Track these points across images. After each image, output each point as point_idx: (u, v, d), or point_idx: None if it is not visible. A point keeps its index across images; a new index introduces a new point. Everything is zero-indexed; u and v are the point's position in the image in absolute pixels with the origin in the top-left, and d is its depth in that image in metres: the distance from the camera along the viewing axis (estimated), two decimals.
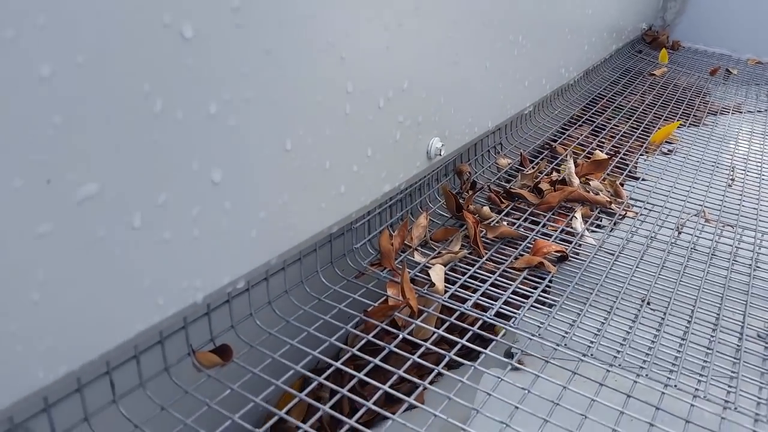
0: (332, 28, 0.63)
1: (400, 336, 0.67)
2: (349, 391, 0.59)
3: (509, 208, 0.96)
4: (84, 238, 0.44)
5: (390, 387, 0.60)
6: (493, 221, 0.90)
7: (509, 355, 0.70)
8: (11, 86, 0.38)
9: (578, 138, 1.28)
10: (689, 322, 0.75)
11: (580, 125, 1.39)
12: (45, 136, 0.40)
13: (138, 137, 0.46)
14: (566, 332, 0.70)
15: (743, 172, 1.22)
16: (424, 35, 0.79)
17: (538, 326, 0.70)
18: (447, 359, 0.64)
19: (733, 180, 1.18)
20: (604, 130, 1.36)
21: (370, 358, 0.63)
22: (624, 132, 1.35)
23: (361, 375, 0.62)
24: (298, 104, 0.61)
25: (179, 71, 0.48)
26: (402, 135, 0.80)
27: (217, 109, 0.52)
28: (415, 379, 0.61)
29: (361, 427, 0.54)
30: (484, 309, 0.72)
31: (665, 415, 0.60)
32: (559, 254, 0.82)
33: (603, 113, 1.46)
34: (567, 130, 1.34)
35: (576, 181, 1.02)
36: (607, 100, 1.55)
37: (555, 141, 1.26)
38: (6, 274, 0.40)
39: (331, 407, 0.57)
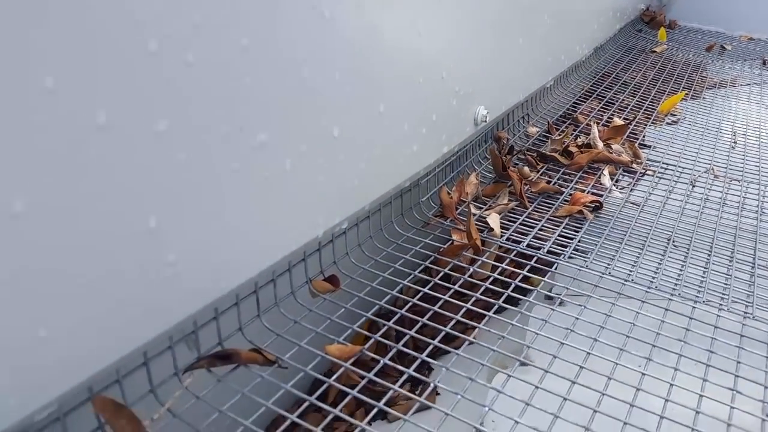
0: (417, 17, 0.75)
1: (470, 270, 0.80)
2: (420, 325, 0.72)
3: (544, 168, 1.08)
4: (262, 173, 0.57)
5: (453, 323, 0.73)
6: (534, 177, 1.02)
7: (549, 297, 0.83)
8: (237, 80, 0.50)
9: (594, 109, 1.41)
10: (709, 255, 0.88)
11: (592, 99, 1.51)
12: (242, 98, 0.52)
13: (293, 99, 0.59)
14: (603, 274, 0.82)
15: (743, 136, 1.36)
16: (476, 18, 0.91)
17: (578, 269, 0.82)
18: (504, 296, 0.76)
19: (735, 143, 1.31)
20: (614, 103, 1.48)
21: (440, 295, 0.76)
22: (632, 105, 1.48)
23: (433, 309, 0.74)
24: (390, 76, 0.74)
25: (323, 46, 0.60)
26: (457, 103, 0.92)
27: (340, 77, 0.65)
28: (477, 316, 0.74)
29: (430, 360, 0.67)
30: (536, 249, 0.85)
31: (696, 325, 0.73)
32: (594, 204, 0.95)
33: (612, 88, 1.59)
34: (582, 103, 1.47)
35: (600, 144, 1.15)
36: (614, 76, 1.68)
37: (573, 112, 1.39)
38: (213, 197, 0.53)
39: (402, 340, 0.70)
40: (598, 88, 1.57)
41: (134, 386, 0.55)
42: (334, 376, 0.62)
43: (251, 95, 0.54)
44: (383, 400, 0.59)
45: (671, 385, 0.63)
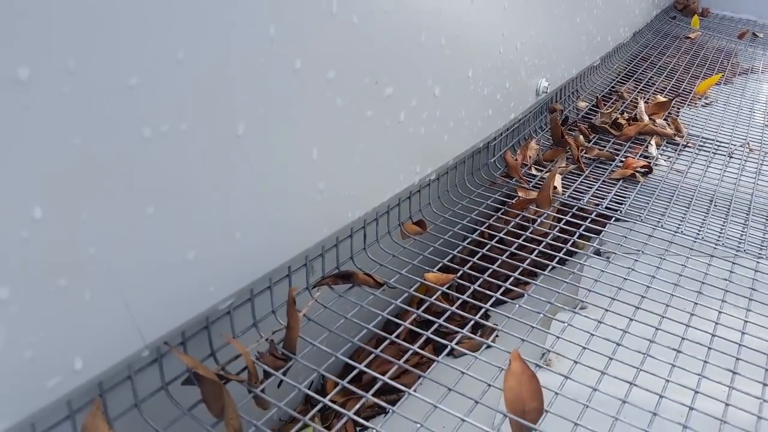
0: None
1: (537, 221, 0.91)
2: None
3: (595, 138, 1.19)
4: (384, 122, 0.68)
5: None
6: (591, 141, 1.13)
7: (598, 252, 0.94)
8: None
9: (636, 89, 1.50)
10: (748, 213, 0.98)
11: (632, 80, 1.61)
12: (381, 56, 0.63)
13: (412, 60, 0.70)
14: (654, 227, 0.92)
15: None
16: (543, 1, 1.02)
17: (633, 223, 0.93)
18: (564, 250, 0.87)
19: None
20: (653, 85, 1.58)
21: (509, 246, 0.87)
22: (669, 88, 1.58)
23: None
24: (478, 43, 0.84)
25: (436, 17, 0.71)
26: (525, 73, 1.03)
27: (446, 41, 0.75)
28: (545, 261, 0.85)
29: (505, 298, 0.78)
30: (595, 206, 0.96)
31: (739, 269, 0.84)
32: (645, 168, 1.06)
33: (650, 71, 1.68)
34: (623, 83, 1.56)
35: (646, 118, 1.25)
36: (651, 60, 1.77)
37: (617, 90, 1.49)
38: (354, 137, 0.64)
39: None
40: (638, 70, 1.66)
41: (271, 299, 0.66)
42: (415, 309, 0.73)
43: (387, 54, 0.65)
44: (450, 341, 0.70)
45: (716, 324, 0.72)
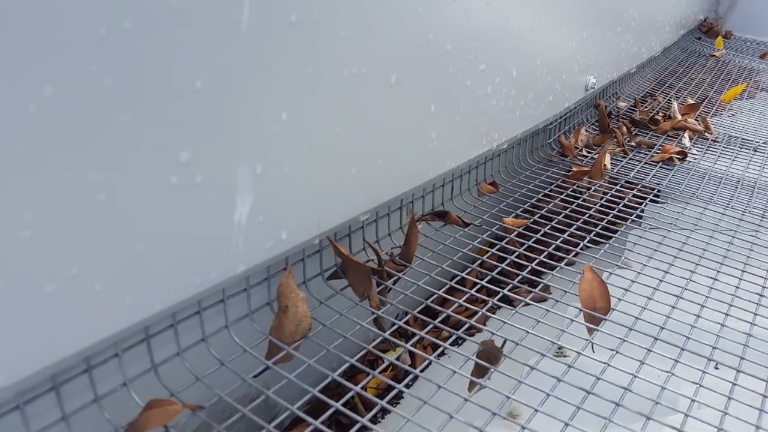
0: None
1: (587, 193, 1.07)
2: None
3: (635, 131, 1.36)
4: (477, 91, 0.85)
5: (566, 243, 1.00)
6: (634, 131, 1.30)
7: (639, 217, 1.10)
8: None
9: (667, 96, 1.67)
10: None
11: (664, 88, 1.78)
12: (477, 39, 0.81)
13: (504, 41, 0.87)
14: (688, 202, 1.08)
15: None
16: (595, 7, 1.20)
17: (667, 200, 1.09)
18: (611, 215, 1.03)
19: None
20: (680, 97, 1.75)
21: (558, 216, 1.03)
22: (695, 99, 1.74)
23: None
24: (545, 36, 1.02)
25: (520, 12, 0.89)
26: (577, 69, 1.20)
27: (524, 32, 0.93)
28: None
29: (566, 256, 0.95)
30: (636, 185, 1.12)
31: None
32: (680, 155, 1.22)
33: (680, 82, 1.85)
34: (655, 92, 1.73)
35: (679, 116, 1.42)
36: (679, 74, 1.94)
37: (651, 95, 1.66)
38: (456, 101, 0.81)
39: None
40: (668, 81, 1.83)
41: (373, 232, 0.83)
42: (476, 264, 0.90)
43: (484, 36, 0.83)
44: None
45: (763, 289, 0.87)
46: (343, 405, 0.57)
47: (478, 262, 0.83)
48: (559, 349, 0.80)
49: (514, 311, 0.74)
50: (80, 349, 0.46)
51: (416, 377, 0.62)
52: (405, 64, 0.69)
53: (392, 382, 0.61)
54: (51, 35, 0.37)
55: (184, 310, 0.58)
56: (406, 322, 0.76)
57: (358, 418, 0.56)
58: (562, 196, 1.04)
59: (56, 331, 0.44)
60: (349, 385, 0.59)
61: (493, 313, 0.73)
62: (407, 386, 0.62)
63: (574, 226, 0.94)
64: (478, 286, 0.76)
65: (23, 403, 0.48)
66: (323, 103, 0.60)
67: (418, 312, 0.71)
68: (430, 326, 0.68)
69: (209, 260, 0.54)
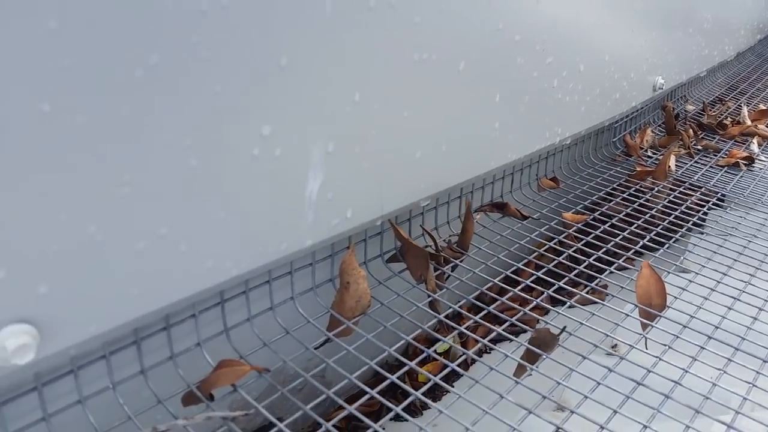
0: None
1: (649, 194, 1.06)
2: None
3: (702, 135, 1.33)
4: (543, 84, 0.86)
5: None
6: (701, 134, 1.28)
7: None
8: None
9: (738, 101, 1.63)
10: None
11: (732, 96, 1.73)
12: (546, 31, 0.82)
13: (573, 36, 0.88)
14: (753, 207, 1.06)
15: None
16: (665, 7, 1.18)
17: (730, 203, 1.07)
18: (675, 214, 1.02)
19: None
20: (751, 102, 1.70)
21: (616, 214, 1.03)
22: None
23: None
24: (614, 32, 1.02)
25: (602, 12, 0.89)
26: (645, 68, 1.19)
27: (592, 27, 0.93)
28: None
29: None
30: (699, 188, 1.11)
31: None
32: (747, 160, 1.20)
33: (752, 88, 1.80)
34: (725, 97, 1.69)
35: (748, 121, 1.38)
36: (753, 80, 1.89)
37: (721, 100, 1.62)
38: (518, 94, 0.82)
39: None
40: (739, 86, 1.78)
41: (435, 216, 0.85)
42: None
43: (552, 29, 0.84)
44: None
45: None
46: (398, 380, 0.60)
47: (535, 254, 0.84)
48: (613, 347, 0.81)
49: (568, 303, 0.74)
50: (162, 306, 0.50)
51: (468, 364, 0.64)
52: (474, 52, 0.70)
53: (446, 361, 0.63)
54: (160, 4, 0.41)
55: (255, 279, 0.62)
56: (461, 309, 0.78)
57: (411, 391, 0.58)
58: (624, 195, 1.03)
59: (142, 287, 0.48)
60: (405, 360, 0.62)
61: (548, 305, 0.74)
62: (459, 370, 0.64)
63: (635, 225, 0.93)
64: (533, 278, 0.77)
65: (109, 353, 0.52)
66: (393, 87, 0.62)
67: (474, 298, 0.73)
68: (484, 312, 0.70)
69: (281, 232, 0.57)
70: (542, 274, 0.78)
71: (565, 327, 0.65)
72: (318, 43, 0.52)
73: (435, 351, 0.65)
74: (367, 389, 0.57)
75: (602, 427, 0.56)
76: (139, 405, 0.52)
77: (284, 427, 0.51)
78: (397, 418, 0.56)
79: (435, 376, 0.61)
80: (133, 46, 0.41)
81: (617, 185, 1.07)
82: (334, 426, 0.52)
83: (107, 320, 0.47)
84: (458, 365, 0.62)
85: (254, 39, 0.47)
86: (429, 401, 0.58)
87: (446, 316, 0.71)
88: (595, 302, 0.73)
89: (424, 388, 0.58)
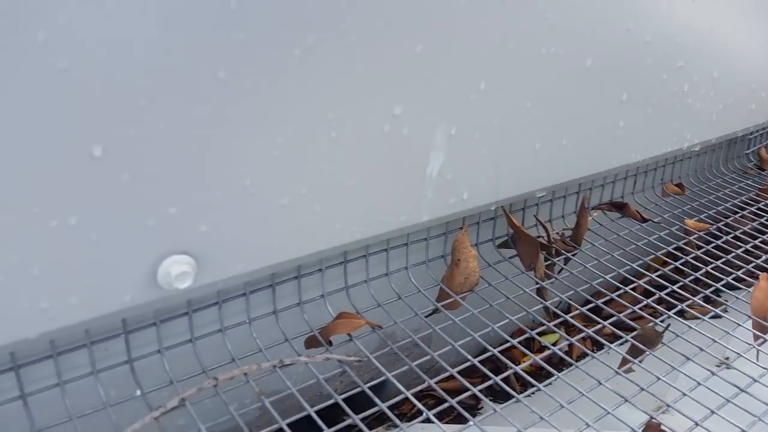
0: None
1: None
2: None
3: None
4: (673, 87, 0.86)
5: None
6: None
7: None
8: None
9: None
10: None
11: None
12: (677, 33, 0.82)
13: (702, 44, 0.87)
14: None
15: None
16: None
17: None
18: None
19: None
20: None
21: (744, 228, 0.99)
22: None
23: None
24: (753, 41, 0.98)
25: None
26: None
27: (728, 34, 0.91)
28: None
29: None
30: None
31: None
32: None
33: None
34: None
35: None
36: None
37: None
38: (647, 94, 0.83)
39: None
40: None
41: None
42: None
43: (684, 33, 0.83)
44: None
45: None
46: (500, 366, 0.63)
47: (652, 257, 0.84)
48: (725, 358, 0.79)
49: (679, 306, 0.75)
50: (296, 257, 0.58)
51: (573, 357, 0.66)
52: (602, 49, 0.72)
53: (556, 349, 0.66)
54: None
55: (375, 245, 0.68)
56: (569, 305, 0.80)
57: (511, 365, 0.62)
58: (752, 209, 1.00)
59: (282, 238, 0.55)
60: (507, 337, 0.65)
61: (660, 307, 0.75)
62: (567, 358, 0.66)
63: (759, 240, 0.90)
64: (646, 279, 0.78)
65: (249, 292, 0.60)
66: (517, 78, 0.66)
67: (584, 293, 0.75)
68: (592, 304, 0.72)
69: (401, 205, 0.63)
70: (657, 276, 0.78)
71: (669, 325, 0.66)
72: (451, 33, 0.57)
73: (540, 341, 0.69)
74: (469, 357, 0.61)
75: (697, 424, 0.57)
76: (270, 340, 0.60)
77: (393, 378, 0.56)
78: (495, 397, 0.59)
79: (537, 371, 0.63)
80: (296, 28, 0.48)
81: (746, 198, 1.04)
82: (439, 390, 0.57)
83: (251, 262, 0.55)
84: (561, 357, 0.65)
85: (394, 26, 0.53)
86: (531, 379, 0.61)
87: (555, 307, 0.74)
88: (709, 310, 0.73)
89: (525, 364, 0.62)
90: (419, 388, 0.56)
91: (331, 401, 0.54)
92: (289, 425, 0.50)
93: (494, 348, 0.63)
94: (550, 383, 0.62)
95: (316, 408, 0.52)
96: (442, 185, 0.66)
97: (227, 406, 0.52)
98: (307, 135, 0.52)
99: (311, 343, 0.61)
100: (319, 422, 0.51)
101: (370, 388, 0.56)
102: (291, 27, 0.48)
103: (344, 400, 0.54)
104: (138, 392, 0.54)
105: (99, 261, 0.47)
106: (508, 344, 0.65)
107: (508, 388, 0.59)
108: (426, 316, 0.68)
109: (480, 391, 0.59)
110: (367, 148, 0.57)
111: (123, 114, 0.44)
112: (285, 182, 0.53)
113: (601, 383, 0.60)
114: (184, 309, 0.58)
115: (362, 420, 0.52)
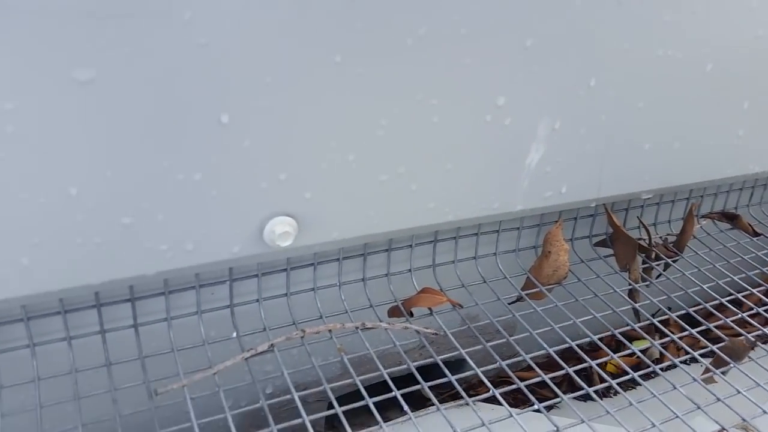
0: None
1: None
2: None
3: None
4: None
5: None
6: None
7: None
8: None
9: None
10: None
11: None
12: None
13: None
14: None
15: None
16: None
17: None
18: None
19: None
20: None
21: None
22: None
23: None
24: None
25: None
26: None
27: None
28: None
29: None
30: None
31: None
32: None
33: None
34: None
35: None
36: None
37: None
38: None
39: None
40: None
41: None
42: None
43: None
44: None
45: None
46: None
47: (757, 271, 0.81)
48: None
49: None
50: (388, 230, 0.61)
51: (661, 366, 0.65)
52: (724, 55, 0.70)
53: (646, 359, 0.66)
54: None
55: (465, 228, 0.70)
56: (661, 310, 0.78)
57: (592, 363, 0.62)
58: None
59: (377, 211, 0.59)
60: (589, 333, 0.66)
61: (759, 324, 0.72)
62: (657, 370, 0.66)
63: None
64: (746, 292, 0.75)
65: (342, 258, 0.65)
66: (631, 77, 0.65)
67: (680, 301, 0.73)
68: (683, 311, 0.71)
69: (495, 192, 0.65)
70: (759, 292, 0.75)
71: (757, 340, 0.64)
72: (563, 31, 0.58)
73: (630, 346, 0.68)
74: (547, 348, 0.62)
75: None
76: (356, 305, 0.65)
77: (468, 358, 0.59)
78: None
79: (621, 374, 0.62)
80: (410, 19, 0.51)
81: None
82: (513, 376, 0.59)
83: (346, 231, 0.59)
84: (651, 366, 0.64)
85: (506, 21, 0.55)
86: (614, 382, 0.60)
87: (650, 314, 0.72)
88: None
89: (603, 358, 0.62)
90: (491, 367, 0.58)
91: (407, 371, 0.58)
92: (366, 389, 0.55)
93: (575, 344, 0.64)
94: (632, 387, 0.62)
95: (391, 372, 0.56)
96: (540, 177, 0.66)
97: (310, 357, 0.57)
98: (410, 118, 0.55)
99: (394, 313, 0.65)
100: (391, 384, 0.55)
101: (446, 365, 0.58)
102: (405, 18, 0.51)
103: (421, 374, 0.57)
104: (234, 334, 0.60)
105: (215, 214, 0.53)
106: (588, 340, 0.65)
107: (590, 391, 0.59)
108: (509, 303, 0.70)
109: (557, 384, 0.60)
110: (466, 134, 0.59)
111: (250, 88, 0.49)
112: (385, 160, 0.57)
113: (675, 387, 0.59)
114: (283, 266, 0.63)
115: (436, 394, 0.55)
